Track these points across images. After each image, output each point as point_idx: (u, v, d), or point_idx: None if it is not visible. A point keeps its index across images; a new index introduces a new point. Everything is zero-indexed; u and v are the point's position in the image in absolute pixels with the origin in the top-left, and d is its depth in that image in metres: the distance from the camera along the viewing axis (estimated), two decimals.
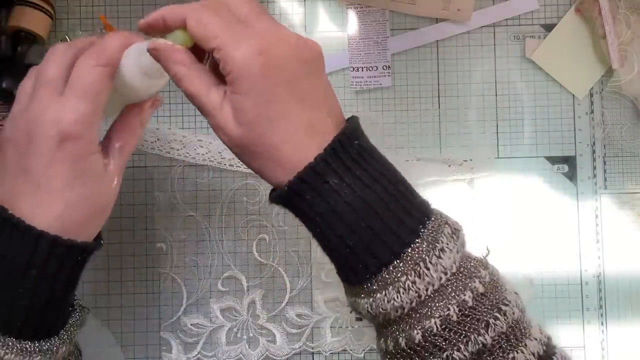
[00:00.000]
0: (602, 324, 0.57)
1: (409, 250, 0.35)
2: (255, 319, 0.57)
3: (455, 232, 0.37)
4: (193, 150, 0.57)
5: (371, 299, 0.35)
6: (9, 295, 0.37)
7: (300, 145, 0.35)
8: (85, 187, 0.38)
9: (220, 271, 0.58)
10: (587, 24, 0.58)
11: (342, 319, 0.57)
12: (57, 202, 0.37)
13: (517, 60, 0.59)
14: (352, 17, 0.59)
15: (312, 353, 0.57)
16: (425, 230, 0.35)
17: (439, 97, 0.59)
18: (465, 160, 0.58)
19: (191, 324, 0.57)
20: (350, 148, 0.36)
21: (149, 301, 0.58)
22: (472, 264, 0.36)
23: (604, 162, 0.58)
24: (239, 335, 0.57)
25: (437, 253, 0.35)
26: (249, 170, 0.58)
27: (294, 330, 0.57)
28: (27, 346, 0.38)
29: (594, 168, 0.58)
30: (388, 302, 0.35)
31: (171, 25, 0.37)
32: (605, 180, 0.58)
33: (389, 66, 0.58)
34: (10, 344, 0.37)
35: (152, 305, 0.58)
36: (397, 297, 0.34)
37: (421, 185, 0.58)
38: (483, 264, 0.37)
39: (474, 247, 0.57)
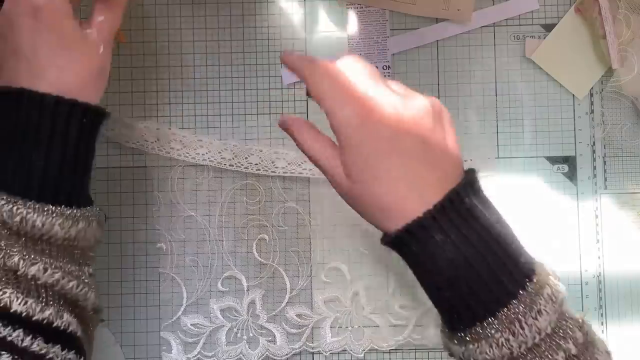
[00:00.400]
0: (602, 324, 0.57)
1: (505, 310, 0.36)
2: (255, 319, 0.57)
3: (556, 293, 0.38)
4: (193, 150, 0.57)
5: (463, 348, 0.37)
6: (25, 160, 0.40)
7: (402, 197, 0.38)
8: (70, 50, 0.41)
9: (220, 271, 0.58)
10: (587, 24, 0.58)
11: (342, 319, 0.57)
12: (49, 69, 0.41)
13: (517, 60, 0.59)
14: (352, 17, 0.59)
15: (312, 353, 0.57)
16: (525, 293, 0.36)
17: (439, 97, 0.59)
18: (465, 160, 0.58)
19: (191, 324, 0.57)
20: (460, 205, 0.37)
21: (149, 301, 0.58)
22: (568, 324, 0.37)
23: (604, 162, 0.58)
24: (239, 335, 0.57)
25: (533, 315, 0.36)
26: (249, 170, 0.58)
27: (294, 330, 0.57)
28: (48, 208, 0.39)
29: (594, 168, 0.58)
30: (480, 353, 0.36)
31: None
32: (605, 180, 0.58)
33: (389, 66, 0.58)
34: (30, 204, 0.39)
35: (152, 305, 0.58)
36: (489, 351, 0.36)
37: None
38: (579, 324, 0.38)
39: None
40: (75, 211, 0.40)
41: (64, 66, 0.41)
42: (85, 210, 0.41)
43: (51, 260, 0.39)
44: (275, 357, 0.57)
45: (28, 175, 0.40)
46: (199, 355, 0.57)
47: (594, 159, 0.58)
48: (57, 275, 0.39)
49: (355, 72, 0.39)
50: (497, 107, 0.59)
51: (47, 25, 0.41)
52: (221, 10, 0.59)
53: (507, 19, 0.59)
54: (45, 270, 0.38)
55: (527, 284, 0.37)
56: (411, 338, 0.57)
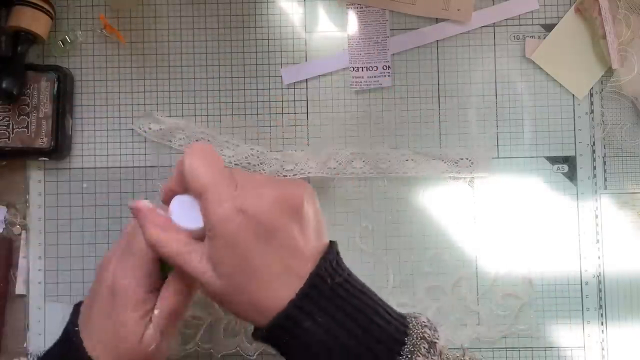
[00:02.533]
0: (602, 324, 0.57)
1: None
2: None
3: (432, 344, 0.39)
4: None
5: None
6: None
7: (275, 292, 0.38)
8: (120, 340, 0.42)
9: None
10: (587, 24, 0.58)
11: None
12: (99, 345, 0.42)
13: (517, 60, 0.59)
14: (352, 17, 0.59)
15: None
16: (402, 357, 0.38)
17: (439, 97, 0.59)
18: (465, 160, 0.58)
19: (190, 316, 0.57)
20: (323, 287, 0.38)
21: None
22: None
23: (604, 162, 0.58)
24: (237, 328, 0.57)
25: None
26: (250, 169, 0.58)
27: None
28: None
29: (594, 168, 0.58)
30: None
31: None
32: (605, 180, 0.58)
33: (389, 66, 0.58)
34: None
35: None
36: None
37: (421, 185, 0.58)
38: (462, 356, 0.40)
39: (474, 247, 0.57)
40: None
41: (109, 350, 0.43)
42: None
43: None
44: (272, 352, 0.57)
45: None
46: (196, 347, 0.57)
47: (594, 159, 0.58)
48: None
49: (219, 164, 0.40)
50: (497, 107, 0.58)
51: (113, 309, 0.43)
52: (221, 10, 0.59)
53: (507, 19, 0.59)
54: None
55: (402, 347, 0.38)
56: None
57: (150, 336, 0.43)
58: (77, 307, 0.46)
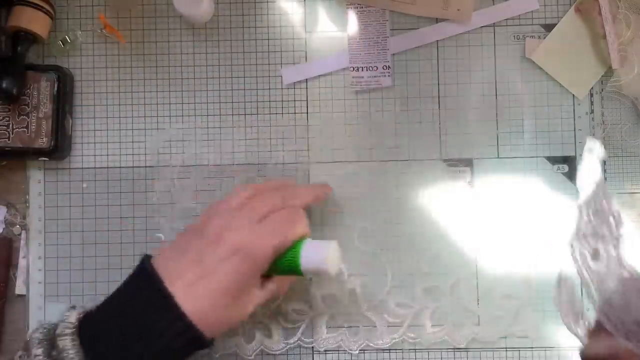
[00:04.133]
0: None
1: None
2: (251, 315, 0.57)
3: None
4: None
5: None
6: (134, 355, 0.43)
7: None
8: (233, 298, 0.45)
9: None
10: (587, 24, 0.58)
11: (338, 316, 0.57)
12: (207, 300, 0.44)
13: (517, 60, 0.59)
14: (352, 17, 0.59)
15: (308, 348, 0.57)
16: None
17: (439, 97, 0.59)
18: (465, 160, 0.58)
19: None
20: None
21: None
22: None
23: (604, 162, 0.58)
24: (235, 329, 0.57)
25: None
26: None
27: (289, 325, 0.57)
28: None
29: None
30: None
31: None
32: (605, 180, 0.58)
33: (389, 66, 0.58)
34: None
35: None
36: None
37: (421, 185, 0.58)
38: None
39: (474, 247, 0.57)
40: None
41: (216, 307, 0.45)
42: None
43: None
44: (270, 352, 0.57)
45: None
46: None
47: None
48: None
49: None
50: (497, 107, 0.58)
51: (238, 268, 0.45)
52: (221, 10, 0.59)
53: (507, 19, 0.59)
54: None
55: None
56: (406, 337, 0.57)
57: (254, 300, 0.47)
58: (148, 257, 0.47)
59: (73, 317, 0.45)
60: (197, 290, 0.44)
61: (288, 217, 0.48)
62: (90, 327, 0.44)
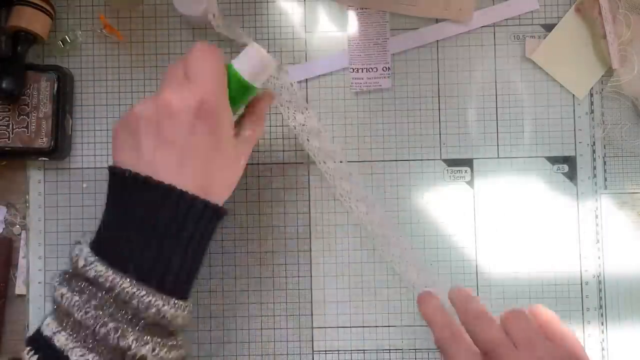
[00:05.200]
0: (602, 324, 0.57)
1: None
2: None
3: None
4: None
5: None
6: (163, 256, 0.41)
7: None
8: (221, 159, 0.43)
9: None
10: (587, 24, 0.58)
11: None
12: (199, 170, 0.42)
13: (517, 60, 0.59)
14: (352, 17, 0.59)
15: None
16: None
17: (439, 97, 0.59)
18: (465, 160, 0.58)
19: None
20: None
21: None
22: None
23: (604, 162, 0.58)
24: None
25: None
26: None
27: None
28: (177, 303, 0.41)
29: (594, 168, 0.58)
30: None
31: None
32: (605, 180, 0.58)
33: (388, 67, 0.58)
34: (165, 299, 0.41)
35: None
36: None
37: (421, 185, 0.58)
38: None
39: (474, 247, 0.57)
40: (189, 305, 0.43)
41: (211, 173, 0.43)
42: (189, 302, 0.43)
43: (159, 340, 0.41)
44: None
45: (164, 271, 0.41)
46: None
47: (594, 159, 0.58)
48: (161, 353, 0.40)
49: None
50: (497, 107, 0.58)
51: (209, 129, 0.42)
52: (221, 10, 0.59)
53: (507, 19, 0.59)
54: (154, 350, 0.40)
55: None
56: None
57: (241, 149, 0.46)
58: (113, 167, 0.44)
59: (86, 249, 0.42)
60: (185, 171, 0.42)
61: (203, 55, 0.44)
62: (110, 250, 0.42)
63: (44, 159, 0.57)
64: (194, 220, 0.42)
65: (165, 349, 0.40)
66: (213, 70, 0.43)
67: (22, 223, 0.58)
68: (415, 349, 0.57)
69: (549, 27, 0.58)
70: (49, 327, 0.40)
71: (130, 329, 0.39)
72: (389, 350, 0.57)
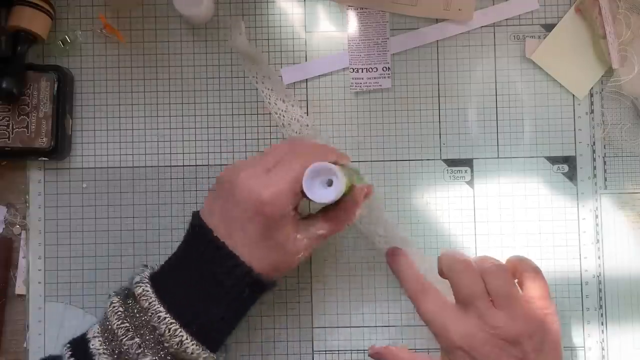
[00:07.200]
0: (602, 324, 0.57)
1: None
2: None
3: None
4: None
5: None
6: (208, 309, 0.45)
7: None
8: (270, 249, 0.46)
9: None
10: (587, 24, 0.58)
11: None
12: (249, 250, 0.46)
13: (517, 60, 0.59)
14: (352, 17, 0.59)
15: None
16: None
17: (439, 97, 0.59)
18: (465, 160, 0.58)
19: None
20: None
21: None
22: None
23: (604, 162, 0.58)
24: None
25: None
26: None
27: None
28: (207, 354, 0.45)
29: (594, 168, 0.58)
30: None
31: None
32: (605, 180, 0.58)
33: (388, 67, 0.58)
34: (199, 347, 0.45)
35: None
36: None
37: (421, 185, 0.58)
38: None
39: (474, 247, 0.57)
40: (215, 357, 0.47)
41: (260, 257, 0.46)
42: (218, 355, 0.47)
43: None
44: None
45: (205, 323, 0.45)
46: None
47: (594, 159, 0.58)
48: None
49: None
50: (497, 107, 0.58)
51: (263, 222, 0.45)
52: (221, 10, 0.59)
53: (507, 19, 0.59)
54: None
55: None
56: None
57: (302, 245, 0.47)
58: (196, 213, 0.49)
59: (147, 273, 0.47)
60: (240, 247, 0.46)
61: (290, 150, 0.48)
62: (161, 281, 0.47)
63: (44, 159, 0.57)
64: (242, 287, 0.46)
65: None
66: (292, 179, 0.45)
67: (22, 223, 0.58)
68: (415, 349, 0.57)
69: (549, 27, 0.58)
70: (93, 330, 0.45)
71: (151, 351, 0.43)
72: None
